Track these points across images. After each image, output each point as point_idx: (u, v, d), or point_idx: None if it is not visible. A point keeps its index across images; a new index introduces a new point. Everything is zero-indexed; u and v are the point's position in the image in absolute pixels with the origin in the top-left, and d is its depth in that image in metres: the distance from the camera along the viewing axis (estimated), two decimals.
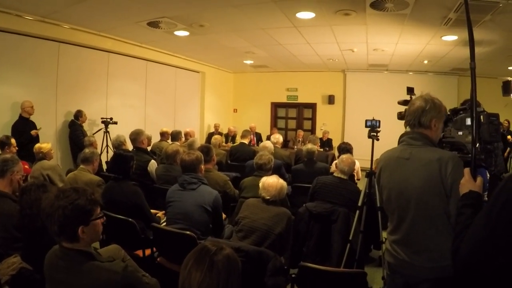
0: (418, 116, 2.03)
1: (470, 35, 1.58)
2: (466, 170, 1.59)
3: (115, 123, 7.64)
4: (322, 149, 8.86)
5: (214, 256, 1.36)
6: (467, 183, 1.55)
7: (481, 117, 2.35)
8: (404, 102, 3.34)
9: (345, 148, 5.61)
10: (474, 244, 1.24)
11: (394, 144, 2.25)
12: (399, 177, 2.06)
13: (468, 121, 2.17)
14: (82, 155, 4.20)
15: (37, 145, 4.83)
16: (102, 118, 7.64)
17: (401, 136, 2.17)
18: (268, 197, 3.20)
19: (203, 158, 3.71)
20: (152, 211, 3.98)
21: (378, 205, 3.77)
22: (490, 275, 1.20)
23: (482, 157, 2.22)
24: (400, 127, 3.69)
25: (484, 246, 1.21)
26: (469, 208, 1.43)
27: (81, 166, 4.17)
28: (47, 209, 1.77)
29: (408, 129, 2.17)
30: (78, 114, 7.11)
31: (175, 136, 7.03)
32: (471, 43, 1.59)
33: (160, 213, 3.98)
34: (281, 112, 13.84)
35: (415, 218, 2.00)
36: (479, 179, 1.54)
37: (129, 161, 3.75)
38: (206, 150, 4.35)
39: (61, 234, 1.77)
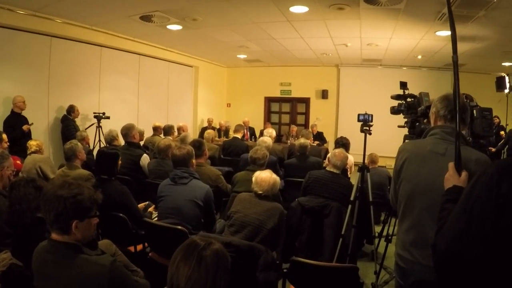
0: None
1: (452, 30, 1.56)
2: (451, 165, 1.54)
3: (108, 117, 7.61)
4: (315, 143, 8.85)
5: (202, 251, 1.36)
6: (451, 178, 1.51)
7: (474, 111, 2.35)
8: (397, 97, 3.34)
9: (341, 143, 5.57)
10: (451, 238, 1.22)
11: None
12: (431, 172, 1.87)
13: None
14: (64, 155, 4.15)
15: (29, 142, 4.82)
16: (94, 113, 7.62)
17: (431, 128, 2.02)
18: (260, 192, 3.20)
19: (194, 152, 3.70)
20: (140, 205, 3.99)
21: (371, 199, 3.81)
22: (466, 270, 1.17)
23: None
24: (393, 122, 3.73)
25: (460, 239, 1.18)
26: (453, 204, 1.36)
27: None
28: (47, 195, 1.78)
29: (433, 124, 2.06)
30: (70, 109, 7.05)
31: (168, 130, 7.03)
32: (453, 35, 1.56)
33: (151, 208, 3.98)
34: (275, 107, 13.79)
35: None
36: (463, 173, 1.50)
37: (113, 158, 3.62)
38: (198, 144, 4.35)
39: (55, 223, 1.77)
